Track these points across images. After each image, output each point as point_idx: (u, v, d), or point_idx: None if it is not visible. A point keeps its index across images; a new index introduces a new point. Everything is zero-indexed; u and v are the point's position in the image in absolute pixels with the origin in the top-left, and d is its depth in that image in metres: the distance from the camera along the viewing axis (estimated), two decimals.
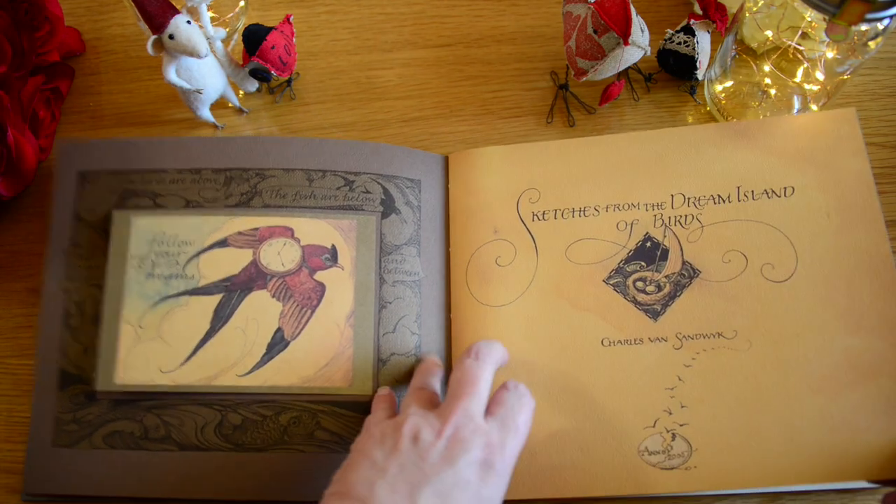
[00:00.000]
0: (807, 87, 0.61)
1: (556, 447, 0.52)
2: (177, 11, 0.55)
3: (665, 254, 0.56)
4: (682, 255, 0.56)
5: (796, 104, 0.63)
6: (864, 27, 0.51)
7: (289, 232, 0.58)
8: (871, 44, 0.54)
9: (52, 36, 0.65)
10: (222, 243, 0.58)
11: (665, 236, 0.57)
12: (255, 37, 0.60)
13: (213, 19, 0.64)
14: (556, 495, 0.51)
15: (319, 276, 0.57)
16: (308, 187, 0.59)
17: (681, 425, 0.52)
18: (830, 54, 0.58)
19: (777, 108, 0.63)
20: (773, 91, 0.63)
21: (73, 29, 0.69)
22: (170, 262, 0.57)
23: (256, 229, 0.58)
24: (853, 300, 0.53)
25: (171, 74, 0.58)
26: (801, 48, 0.59)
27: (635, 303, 0.55)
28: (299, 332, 0.56)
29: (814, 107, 0.62)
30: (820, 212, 0.56)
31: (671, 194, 0.58)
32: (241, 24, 0.67)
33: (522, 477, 0.52)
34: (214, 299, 0.56)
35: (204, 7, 0.57)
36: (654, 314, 0.55)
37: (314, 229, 0.58)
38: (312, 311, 0.56)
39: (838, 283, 0.54)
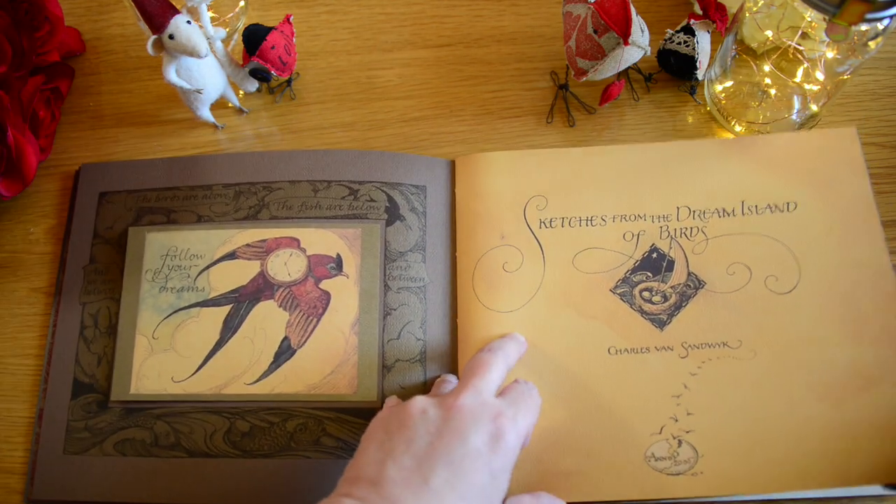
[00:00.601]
0: (807, 87, 0.61)
1: (563, 453, 0.52)
2: (177, 11, 0.55)
3: (671, 265, 0.57)
4: (688, 266, 0.57)
5: (796, 104, 0.63)
6: (864, 27, 0.51)
7: (295, 242, 0.59)
8: (871, 44, 0.54)
9: (52, 36, 0.65)
10: (231, 256, 0.59)
11: (671, 248, 0.57)
12: (255, 37, 0.60)
13: (213, 19, 0.64)
14: (562, 499, 0.51)
15: (325, 284, 0.58)
16: (313, 198, 0.60)
17: (687, 432, 0.52)
18: (830, 54, 0.58)
19: (777, 108, 0.63)
20: (773, 91, 0.63)
21: (73, 29, 0.69)
22: (182, 276, 0.58)
23: (264, 241, 0.59)
24: (855, 312, 0.54)
25: (171, 74, 0.58)
26: (801, 48, 0.59)
27: (642, 312, 0.56)
28: (305, 341, 0.56)
29: (814, 107, 0.62)
30: (822, 227, 0.57)
31: (677, 207, 0.58)
32: (241, 24, 0.67)
33: (529, 481, 0.52)
34: (224, 310, 0.57)
35: (204, 7, 0.57)
36: (661, 324, 0.55)
37: (319, 239, 0.59)
38: (318, 320, 0.57)
39: (840, 296, 0.55)
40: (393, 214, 0.60)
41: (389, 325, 0.57)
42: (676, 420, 0.52)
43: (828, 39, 0.53)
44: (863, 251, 0.56)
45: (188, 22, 0.55)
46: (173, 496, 0.53)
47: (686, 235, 0.58)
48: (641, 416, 0.53)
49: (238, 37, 0.66)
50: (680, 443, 0.52)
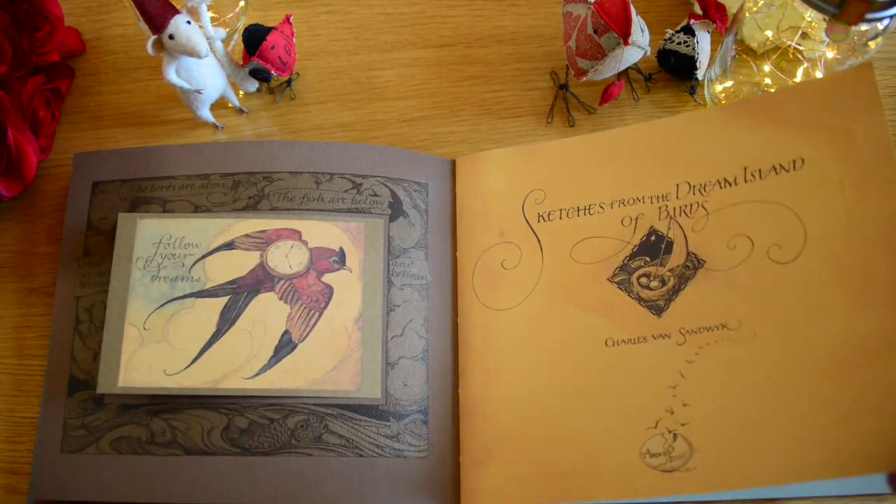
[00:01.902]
0: None
1: (561, 452, 0.52)
2: (177, 11, 0.55)
3: (669, 246, 0.56)
4: (687, 245, 0.55)
5: None
6: (864, 27, 0.51)
7: (296, 234, 0.58)
8: (871, 44, 0.54)
9: (52, 36, 0.65)
10: (229, 245, 0.58)
11: (669, 228, 0.56)
12: (255, 37, 0.60)
13: (213, 19, 0.64)
14: (560, 500, 0.51)
15: (327, 278, 0.57)
16: (316, 190, 0.59)
17: (682, 425, 0.51)
18: (830, 54, 0.58)
19: None
20: (773, 91, 0.63)
21: (73, 29, 0.69)
22: (175, 265, 0.57)
23: (264, 232, 0.58)
24: (867, 273, 0.50)
25: (171, 74, 0.58)
26: (801, 48, 0.59)
27: (639, 299, 0.55)
28: (307, 335, 0.56)
29: None
30: (832, 182, 0.53)
31: (676, 183, 0.57)
32: (241, 24, 0.67)
33: (526, 482, 0.51)
34: (221, 301, 0.56)
35: (204, 7, 0.57)
36: (658, 310, 0.54)
37: (322, 232, 0.58)
38: (320, 314, 0.56)
39: (851, 257, 0.51)
40: (396, 210, 0.59)
41: (393, 322, 0.56)
42: (672, 413, 0.51)
43: (828, 39, 0.53)
44: (878, 202, 0.51)
45: (188, 22, 0.55)
46: (171, 496, 0.52)
47: (686, 213, 0.56)
48: (638, 410, 0.52)
49: (238, 37, 0.66)
50: (675, 437, 0.51)
